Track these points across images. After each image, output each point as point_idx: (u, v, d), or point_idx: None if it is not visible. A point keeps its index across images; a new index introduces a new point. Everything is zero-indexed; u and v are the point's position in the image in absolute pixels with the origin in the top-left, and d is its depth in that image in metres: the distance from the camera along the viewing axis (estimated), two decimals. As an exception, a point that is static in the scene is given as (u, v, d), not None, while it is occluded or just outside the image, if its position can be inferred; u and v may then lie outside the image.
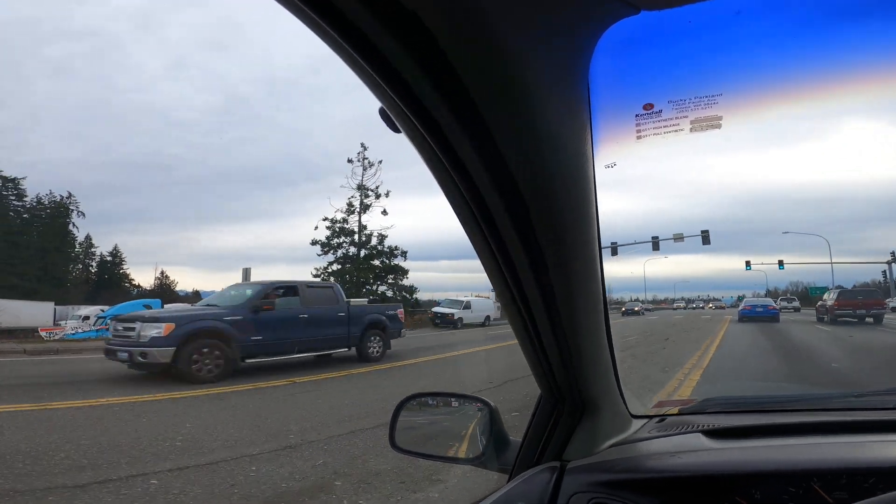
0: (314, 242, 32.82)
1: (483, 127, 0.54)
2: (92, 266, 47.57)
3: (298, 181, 65.09)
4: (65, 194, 42.80)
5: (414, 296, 33.69)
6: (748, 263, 31.77)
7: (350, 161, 33.15)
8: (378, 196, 33.22)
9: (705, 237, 26.35)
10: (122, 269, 48.72)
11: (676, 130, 0.61)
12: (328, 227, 32.81)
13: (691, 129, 0.61)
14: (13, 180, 39.69)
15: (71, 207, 43.48)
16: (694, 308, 48.29)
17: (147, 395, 7.22)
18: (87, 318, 23.10)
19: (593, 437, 1.05)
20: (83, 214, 43.90)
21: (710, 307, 46.75)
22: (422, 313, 30.13)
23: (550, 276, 0.75)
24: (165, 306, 24.03)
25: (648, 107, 0.60)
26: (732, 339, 13.77)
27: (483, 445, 1.17)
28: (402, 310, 12.82)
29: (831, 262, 28.06)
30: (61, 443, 4.84)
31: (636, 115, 0.61)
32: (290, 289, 10.60)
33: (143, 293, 43.64)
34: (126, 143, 55.33)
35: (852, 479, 0.80)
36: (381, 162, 33.25)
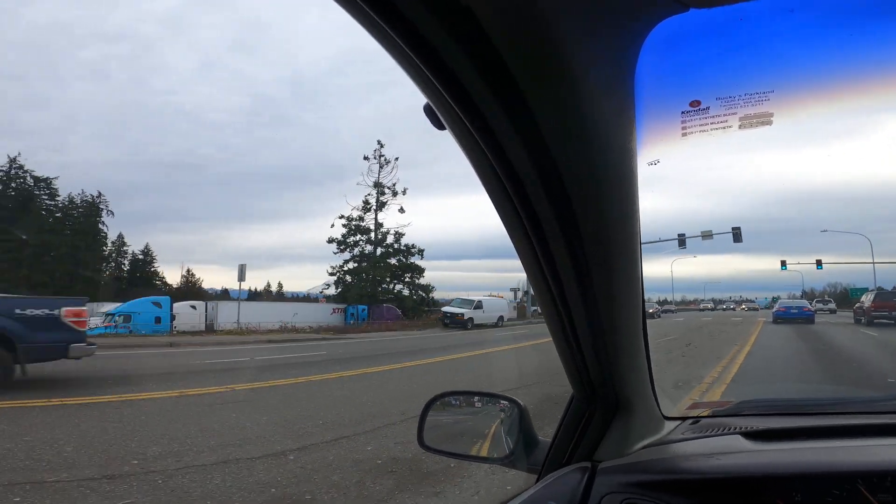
0: (331, 240, 33.00)
1: (532, 123, 0.55)
2: (124, 264, 49.24)
3: (324, 181, 66.45)
4: (95, 194, 44.25)
5: (430, 294, 33.50)
6: (783, 263, 30.61)
7: (366, 158, 33.26)
8: (395, 193, 33.25)
9: (736, 234, 25.23)
10: (153, 267, 50.22)
11: (724, 127, 0.62)
12: (344, 225, 32.96)
13: (740, 126, 0.61)
14: (45, 180, 41.23)
15: (101, 206, 44.97)
16: (724, 309, 46.71)
17: None
18: (110, 314, 23.76)
19: (626, 438, 1.04)
20: (112, 213, 45.36)
21: (743, 308, 45.27)
22: (438, 312, 30.05)
23: (592, 275, 0.75)
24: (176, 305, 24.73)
25: (695, 104, 0.60)
26: (765, 346, 12.86)
27: (511, 445, 1.17)
28: (76, 308, 7.77)
29: (873, 262, 26.83)
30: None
31: (682, 112, 0.61)
32: None
33: (169, 291, 44.86)
34: (160, 144, 57.22)
35: None
36: (397, 159, 33.31)
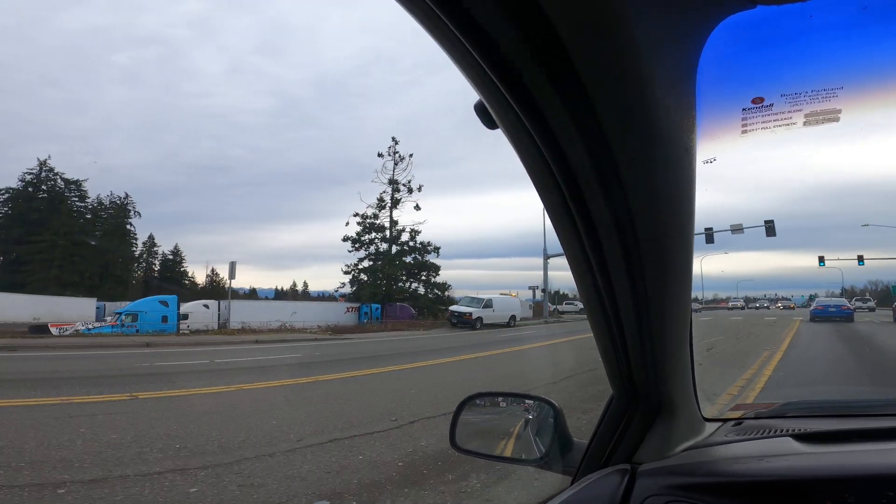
0: (345, 239, 32.94)
1: (593, 120, 0.55)
2: (155, 264, 50.93)
3: (349, 180, 67.59)
4: (122, 195, 45.74)
5: (446, 293, 32.90)
6: (822, 259, 28.86)
7: (381, 155, 33.15)
8: (410, 190, 32.95)
9: (769, 228, 23.72)
10: (182, 266, 51.77)
11: (788, 124, 0.61)
12: (359, 223, 32.80)
13: (805, 123, 0.61)
14: (75, 182, 42.85)
15: (129, 208, 46.50)
16: (757, 308, 44.15)
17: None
18: (117, 313, 23.92)
19: (668, 440, 1.03)
20: (139, 214, 46.90)
21: (779, 307, 42.79)
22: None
23: (646, 275, 0.75)
24: (184, 306, 24.87)
25: (758, 100, 0.60)
26: (800, 348, 11.60)
27: (546, 446, 1.17)
28: None
29: (919, 258, 24.80)
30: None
31: (743, 109, 0.61)
32: None
33: (195, 290, 45.98)
34: (193, 147, 59.39)
35: None
36: (411, 155, 33.14)
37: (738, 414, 1.27)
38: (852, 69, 0.57)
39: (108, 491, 3.67)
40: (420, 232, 32.98)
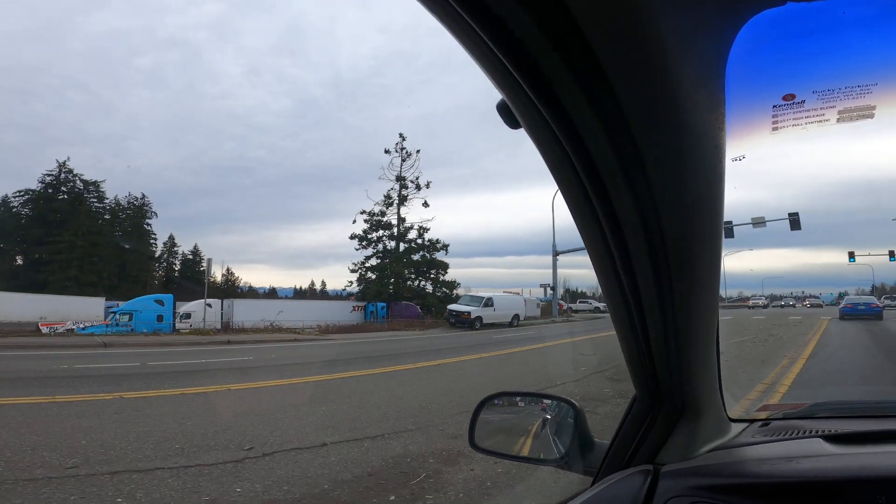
0: (353, 237, 32.53)
1: (620, 118, 0.55)
2: (175, 264, 51.87)
3: (366, 180, 68.03)
4: (140, 196, 46.49)
5: (455, 291, 32.24)
6: (851, 255, 27.67)
7: (387, 152, 32.66)
8: (419, 187, 32.45)
9: (794, 221, 22.60)
10: (202, 266, 52.62)
11: (821, 121, 0.61)
12: (366, 221, 32.37)
13: (838, 120, 0.61)
14: (94, 183, 43.71)
15: (146, 208, 47.24)
16: (782, 306, 42.56)
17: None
18: (112, 312, 23.79)
19: (692, 441, 1.02)
20: (156, 214, 47.64)
21: (806, 305, 41.21)
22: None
23: (672, 275, 0.74)
24: (186, 305, 24.81)
25: (789, 97, 0.60)
26: (827, 351, 10.56)
27: (566, 446, 1.16)
28: None
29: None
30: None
31: (773, 106, 0.61)
32: None
33: (212, 288, 46.54)
34: (215, 148, 60.11)
35: None
36: (418, 152, 32.68)
37: (765, 414, 1.26)
38: (886, 64, 0.56)
39: None
40: (429, 229, 32.58)
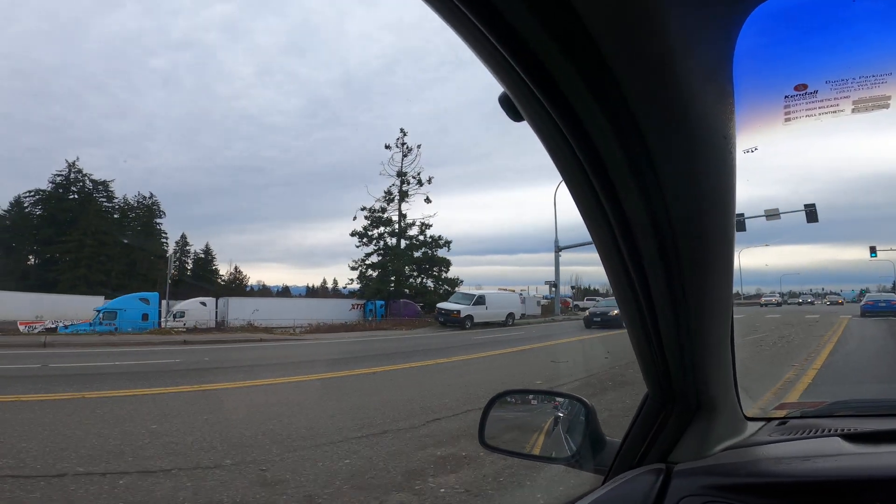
0: (353, 234, 32.04)
1: (626, 111, 0.54)
2: (188, 263, 52.46)
3: (378, 179, 68.01)
4: (148, 195, 46.92)
5: (457, 289, 31.22)
6: (873, 250, 26.85)
7: (388, 147, 32.16)
8: (420, 183, 31.90)
9: (810, 213, 21.38)
10: (213, 265, 53.16)
11: (836, 112, 0.60)
12: (367, 217, 31.92)
13: (853, 111, 0.60)
14: (103, 183, 44.23)
15: (154, 207, 47.66)
16: (799, 304, 41.43)
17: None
18: (96, 311, 23.36)
19: (706, 440, 1.01)
20: (164, 213, 48.03)
21: (825, 303, 40.11)
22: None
23: (684, 272, 0.73)
24: (181, 303, 24.57)
25: (801, 87, 0.59)
26: (845, 355, 9.45)
27: (577, 445, 1.16)
28: None
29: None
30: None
31: (785, 97, 0.60)
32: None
33: (219, 287, 46.87)
34: (228, 148, 60.51)
35: None
36: (419, 146, 32.17)
37: (782, 413, 1.26)
38: None
39: None
40: (431, 225, 32.06)
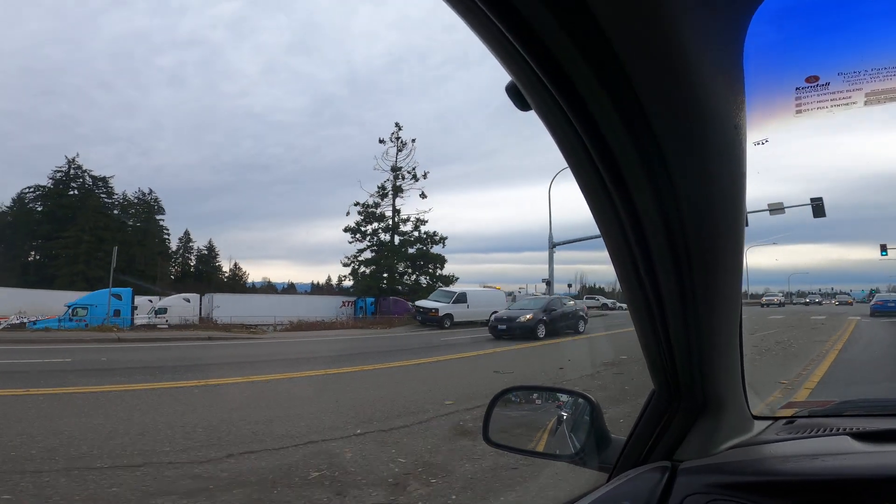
0: (346, 229, 31.75)
1: (635, 102, 0.54)
2: (191, 259, 52.84)
3: (384, 177, 68.11)
4: (147, 191, 47.00)
5: (451, 287, 30.59)
6: (884, 248, 26.55)
7: (382, 141, 31.92)
8: (416, 178, 31.55)
9: (817, 207, 20.21)
10: (216, 262, 53.34)
11: (848, 104, 0.60)
12: (360, 213, 31.62)
13: (866, 103, 0.60)
14: (102, 179, 44.34)
15: (153, 204, 47.73)
16: (805, 304, 41.12)
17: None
18: (68, 306, 22.94)
19: (712, 438, 1.02)
20: (163, 210, 48.07)
21: (835, 303, 39.69)
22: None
23: (693, 268, 0.73)
24: (164, 300, 24.28)
25: (812, 79, 0.59)
26: (851, 361, 8.98)
27: (581, 442, 1.16)
28: None
29: None
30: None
31: (796, 89, 0.60)
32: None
33: (220, 283, 46.93)
34: (235, 146, 61.38)
35: None
36: (414, 141, 31.89)
37: (790, 412, 1.26)
38: None
39: None
40: (426, 222, 31.76)
